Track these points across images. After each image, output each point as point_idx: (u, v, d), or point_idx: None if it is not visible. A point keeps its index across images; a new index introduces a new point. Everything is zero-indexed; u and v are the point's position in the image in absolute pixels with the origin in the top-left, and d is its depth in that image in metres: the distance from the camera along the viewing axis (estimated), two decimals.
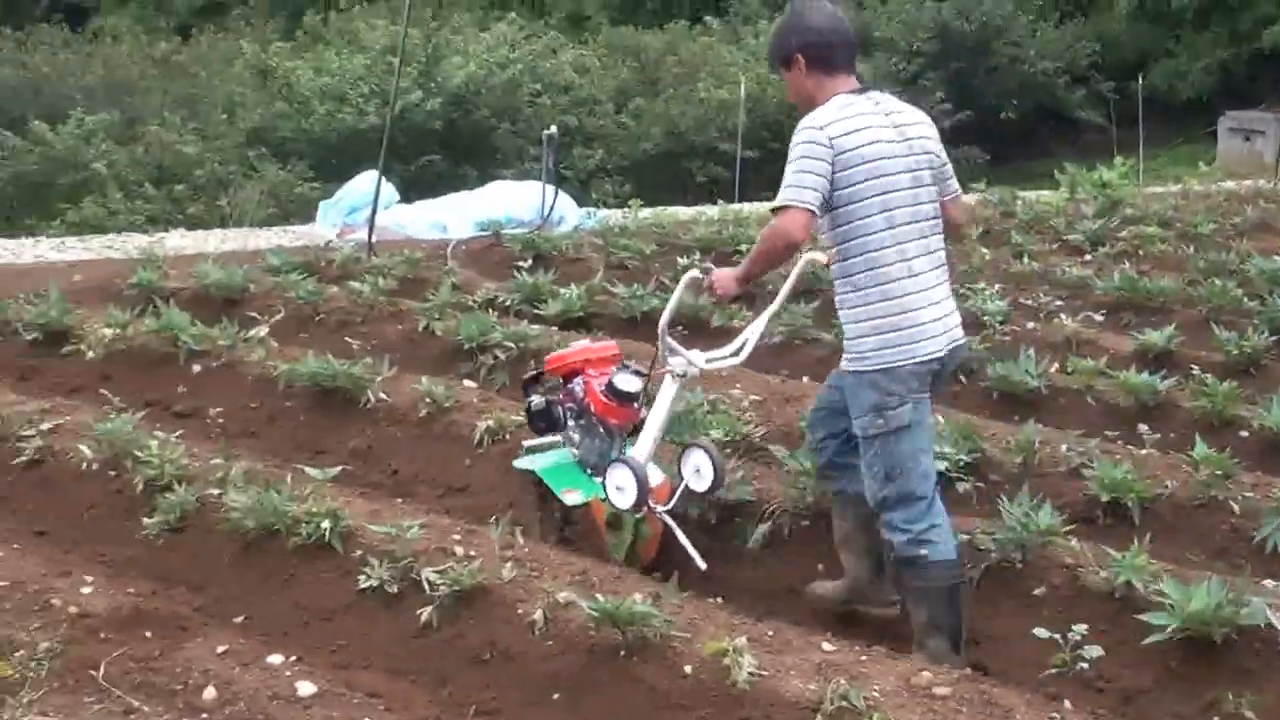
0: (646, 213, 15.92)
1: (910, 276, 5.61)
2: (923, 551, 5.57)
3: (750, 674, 4.87)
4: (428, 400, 8.02)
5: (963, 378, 8.92)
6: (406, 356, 9.34)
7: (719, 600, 6.05)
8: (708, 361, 6.40)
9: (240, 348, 9.16)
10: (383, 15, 30.88)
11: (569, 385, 6.79)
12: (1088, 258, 13.51)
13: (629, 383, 6.53)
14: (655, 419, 6.41)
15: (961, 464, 7.01)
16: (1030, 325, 10.28)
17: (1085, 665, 5.41)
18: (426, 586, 5.66)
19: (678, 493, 6.47)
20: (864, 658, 5.24)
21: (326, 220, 17.65)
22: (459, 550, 5.93)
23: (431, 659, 5.48)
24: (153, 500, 6.79)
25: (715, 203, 19.44)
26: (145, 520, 6.70)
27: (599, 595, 5.33)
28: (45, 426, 7.74)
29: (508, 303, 10.83)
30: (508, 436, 7.59)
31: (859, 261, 5.62)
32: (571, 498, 6.50)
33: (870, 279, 5.61)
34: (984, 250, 13.28)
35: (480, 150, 24.61)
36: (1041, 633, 5.56)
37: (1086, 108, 37.16)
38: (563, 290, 10.79)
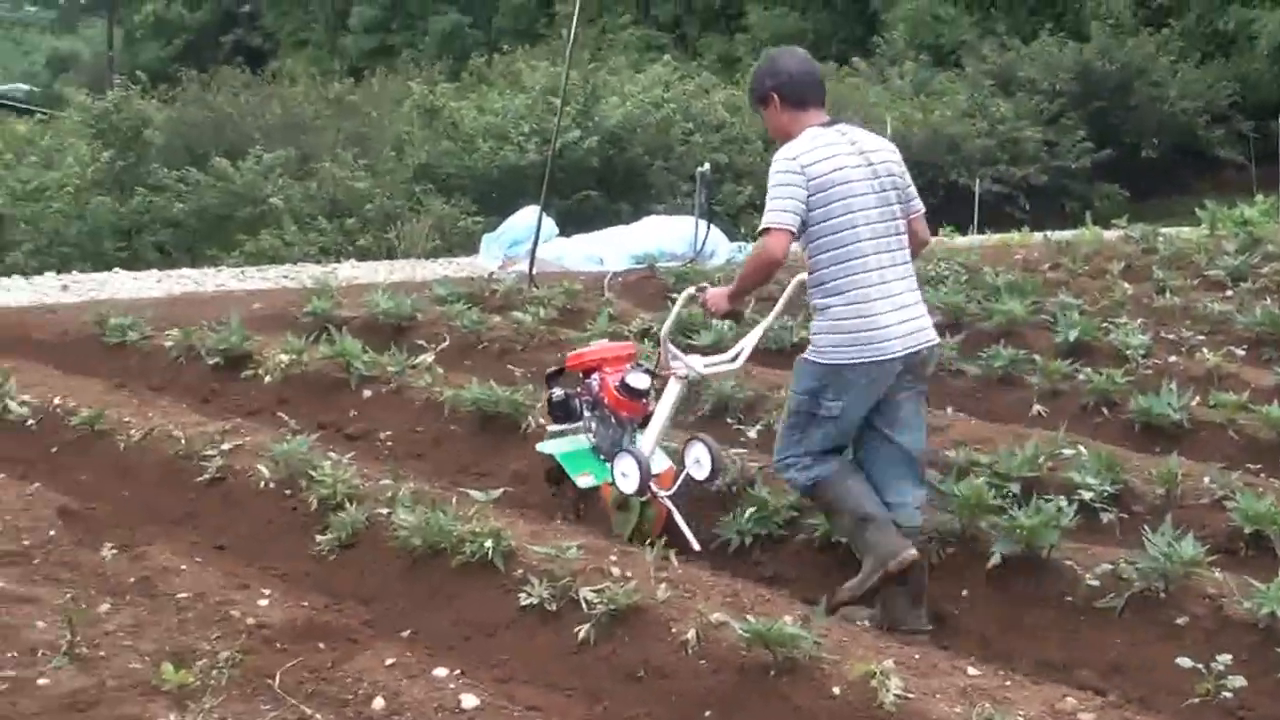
0: (795, 246, 15.84)
1: (874, 285, 6.15)
2: (814, 476, 6.19)
3: (897, 696, 4.82)
4: None
5: (1105, 410, 8.81)
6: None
7: (864, 623, 6.01)
8: (706, 366, 7.05)
9: (408, 374, 9.24)
10: (543, 58, 31.12)
11: (587, 380, 7.35)
12: (1229, 293, 13.22)
13: (640, 380, 7.10)
14: (660, 415, 7.02)
15: (1105, 495, 6.91)
16: (1172, 359, 10.09)
17: (1229, 695, 5.28)
18: (584, 605, 5.66)
19: (679, 480, 6.99)
20: (1008, 683, 5.16)
21: (489, 253, 17.79)
22: (615, 571, 5.93)
23: (588, 675, 5.48)
24: (325, 518, 6.88)
25: None
26: (318, 537, 6.79)
27: (750, 617, 5.31)
28: (226, 447, 7.89)
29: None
30: None
31: (829, 272, 6.18)
32: (584, 481, 7.15)
33: (838, 286, 6.15)
34: (1126, 285, 13.08)
35: (635, 186, 24.66)
36: (1185, 662, 5.45)
37: (1226, 146, 36.49)
38: (714, 321, 10.76)
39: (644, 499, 7.00)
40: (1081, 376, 9.13)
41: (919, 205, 6.55)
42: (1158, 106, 35.47)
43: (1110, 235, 17.92)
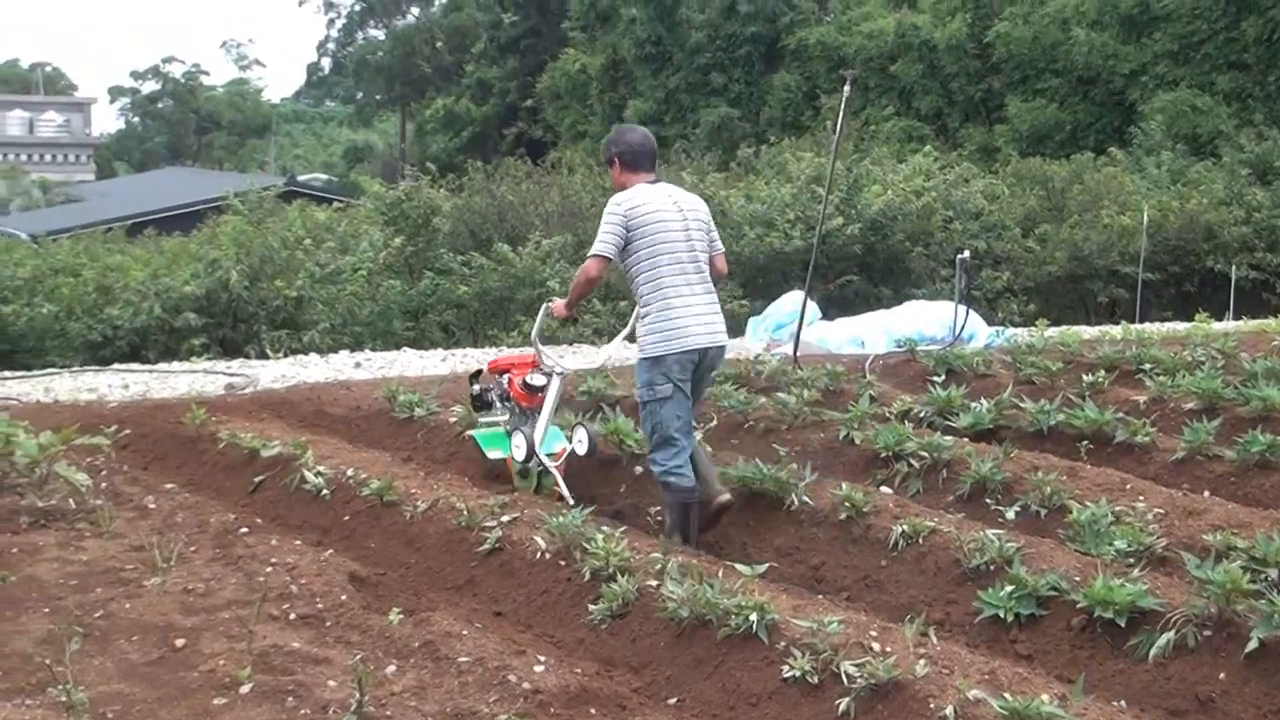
0: (1052, 332, 15.53)
1: (678, 298, 8.27)
2: (671, 479, 8.17)
3: None
4: (847, 504, 7.99)
5: None
6: (827, 463, 9.32)
7: (1121, 705, 5.87)
8: (576, 365, 10.41)
9: None
10: (809, 148, 31.09)
11: (499, 379, 9.64)
12: None
13: (537, 379, 9.32)
14: (547, 405, 9.18)
15: None
16: None
17: None
18: (845, 679, 5.64)
19: (565, 454, 9.16)
20: None
21: (755, 335, 17.75)
22: (875, 645, 5.89)
23: None
24: (598, 588, 6.98)
25: (1117, 323, 18.93)
26: (591, 606, 6.88)
27: (1007, 694, 5.23)
28: (505, 519, 8.05)
29: (921, 414, 10.67)
30: (921, 540, 7.50)
31: (645, 289, 8.34)
32: (493, 455, 9.53)
33: (652, 300, 8.30)
34: None
35: (895, 271, 24.44)
36: None
37: None
38: (973, 404, 10.61)
39: (540, 469, 9.19)
40: None
41: (720, 246, 8.79)
42: None
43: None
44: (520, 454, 9.16)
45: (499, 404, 9.66)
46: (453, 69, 75.87)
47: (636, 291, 8.43)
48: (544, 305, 9.13)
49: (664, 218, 8.34)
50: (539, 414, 9.18)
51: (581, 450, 9.14)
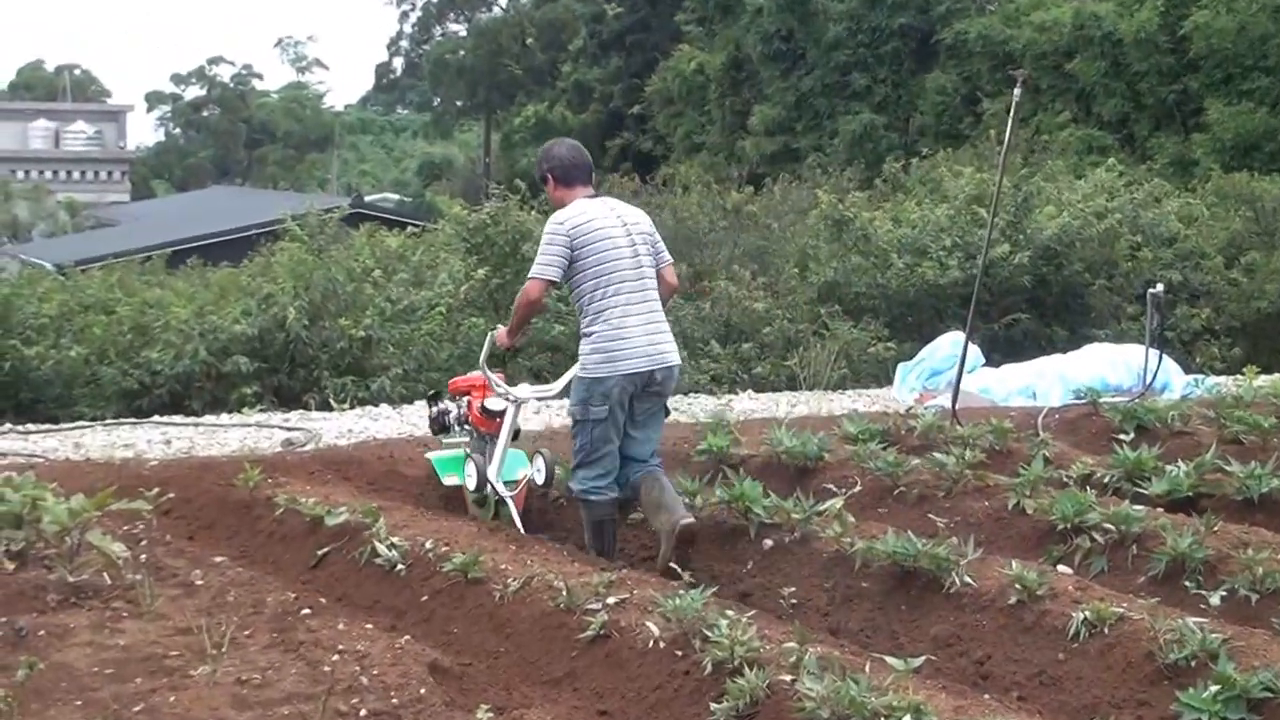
0: (1262, 380, 15.28)
1: (624, 316, 9.38)
2: (592, 497, 9.58)
3: None
4: (1018, 586, 7.94)
5: None
6: (993, 536, 9.27)
7: None
8: (534, 394, 10.93)
9: (814, 522, 9.25)
10: (968, 162, 30.91)
11: (459, 402, 10.72)
12: None
13: (495, 404, 10.31)
14: (503, 434, 10.21)
15: None
16: None
17: None
18: None
19: (523, 481, 10.25)
20: None
21: (905, 384, 17.67)
22: None
23: None
24: (721, 684, 6.93)
25: None
26: (713, 705, 6.84)
27: None
28: (611, 600, 8.03)
29: (1106, 479, 10.55)
30: (1107, 629, 7.44)
31: (590, 307, 9.45)
32: (449, 481, 10.73)
33: (597, 319, 9.41)
34: None
35: (1072, 308, 24.17)
36: None
37: None
38: (1168, 467, 10.49)
39: (497, 499, 10.18)
40: None
41: (667, 258, 9.92)
42: None
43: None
44: (471, 483, 10.22)
45: (458, 427, 10.75)
46: (546, 70, 76.44)
47: (581, 311, 9.61)
48: (489, 334, 10.36)
49: (610, 234, 9.51)
50: (497, 440, 10.22)
51: (540, 479, 10.11)
